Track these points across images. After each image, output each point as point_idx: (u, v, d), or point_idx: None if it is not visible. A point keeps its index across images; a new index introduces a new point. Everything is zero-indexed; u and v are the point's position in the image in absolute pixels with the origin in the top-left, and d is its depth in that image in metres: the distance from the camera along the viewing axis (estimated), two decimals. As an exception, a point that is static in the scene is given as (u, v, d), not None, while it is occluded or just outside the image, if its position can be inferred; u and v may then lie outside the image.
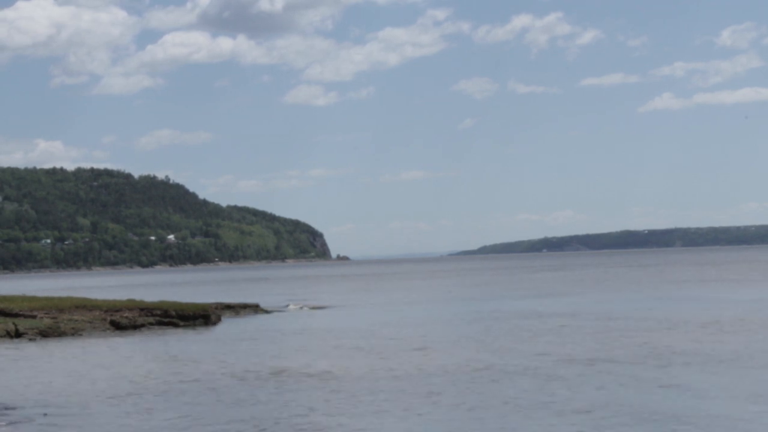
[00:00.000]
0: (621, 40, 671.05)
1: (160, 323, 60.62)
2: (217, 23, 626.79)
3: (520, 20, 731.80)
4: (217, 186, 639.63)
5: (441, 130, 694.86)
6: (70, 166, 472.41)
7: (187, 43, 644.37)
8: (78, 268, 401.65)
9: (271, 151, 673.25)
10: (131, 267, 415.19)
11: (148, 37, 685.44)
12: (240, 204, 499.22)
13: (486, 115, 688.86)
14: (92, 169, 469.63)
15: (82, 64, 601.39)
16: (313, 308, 79.27)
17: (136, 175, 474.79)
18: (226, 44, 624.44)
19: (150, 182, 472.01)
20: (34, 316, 58.94)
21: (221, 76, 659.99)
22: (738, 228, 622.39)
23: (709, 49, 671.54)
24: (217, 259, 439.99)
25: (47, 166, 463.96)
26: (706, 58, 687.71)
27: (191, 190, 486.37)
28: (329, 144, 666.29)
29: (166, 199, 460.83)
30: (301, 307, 79.88)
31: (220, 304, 73.95)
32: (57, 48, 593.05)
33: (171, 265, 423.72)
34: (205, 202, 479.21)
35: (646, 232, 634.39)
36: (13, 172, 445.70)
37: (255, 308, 75.33)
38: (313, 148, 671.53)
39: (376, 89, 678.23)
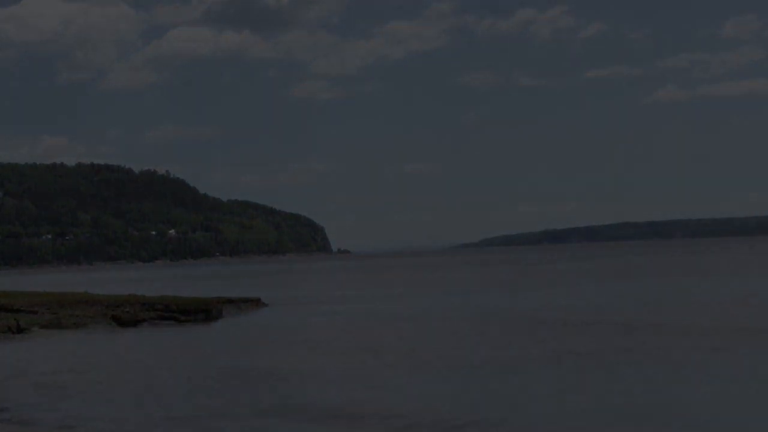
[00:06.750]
0: (624, 33, 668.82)
1: (162, 318, 60.77)
2: (222, 18, 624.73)
3: (524, 13, 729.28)
4: (219, 180, 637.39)
5: (445, 122, 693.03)
6: (71, 162, 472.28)
7: (192, 38, 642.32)
8: (79, 263, 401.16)
9: (275, 145, 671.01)
10: (132, 262, 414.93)
11: (154, 32, 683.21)
12: (241, 198, 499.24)
13: (490, 107, 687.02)
14: (92, 165, 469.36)
15: (88, 60, 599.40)
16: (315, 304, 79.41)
17: (138, 170, 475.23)
18: (231, 39, 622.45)
19: (150, 177, 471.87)
20: (35, 312, 59.14)
21: (227, 72, 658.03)
22: (739, 219, 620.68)
23: (712, 41, 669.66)
24: (217, 254, 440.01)
25: (52, 161, 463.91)
26: (709, 49, 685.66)
27: (191, 184, 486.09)
28: (333, 137, 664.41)
29: (166, 193, 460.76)
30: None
31: (221, 298, 73.88)
32: (64, 44, 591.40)
33: (172, 260, 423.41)
34: (205, 197, 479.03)
35: (646, 223, 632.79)
36: (13, 167, 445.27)
37: (256, 303, 75.29)
38: (316, 141, 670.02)
39: (381, 83, 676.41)
